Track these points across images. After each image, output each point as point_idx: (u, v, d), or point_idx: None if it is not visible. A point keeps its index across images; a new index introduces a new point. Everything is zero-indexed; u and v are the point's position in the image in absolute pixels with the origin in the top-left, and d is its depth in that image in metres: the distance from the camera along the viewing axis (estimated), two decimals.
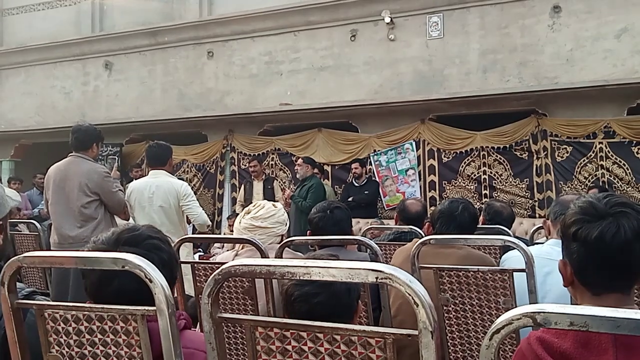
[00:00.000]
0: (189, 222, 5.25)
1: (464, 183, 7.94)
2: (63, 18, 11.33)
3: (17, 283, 1.30)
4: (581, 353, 1.16)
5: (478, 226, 3.11)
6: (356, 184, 8.20)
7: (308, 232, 3.13)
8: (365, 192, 8.08)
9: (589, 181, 7.27)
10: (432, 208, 6.63)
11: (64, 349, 1.26)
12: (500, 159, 7.75)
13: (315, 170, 8.15)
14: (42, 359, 1.29)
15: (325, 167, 8.69)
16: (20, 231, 5.76)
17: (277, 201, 7.26)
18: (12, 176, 10.12)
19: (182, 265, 2.48)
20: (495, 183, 7.77)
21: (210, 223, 5.87)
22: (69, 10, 11.33)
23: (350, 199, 7.76)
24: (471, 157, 7.90)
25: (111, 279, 1.39)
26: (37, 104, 11.38)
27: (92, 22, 10.99)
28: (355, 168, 8.15)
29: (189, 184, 5.78)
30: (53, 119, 10.99)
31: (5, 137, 11.15)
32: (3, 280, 1.25)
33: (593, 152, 7.26)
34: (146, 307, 1.16)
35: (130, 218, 4.90)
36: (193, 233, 6.02)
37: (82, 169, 4.58)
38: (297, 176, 7.74)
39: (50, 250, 4.64)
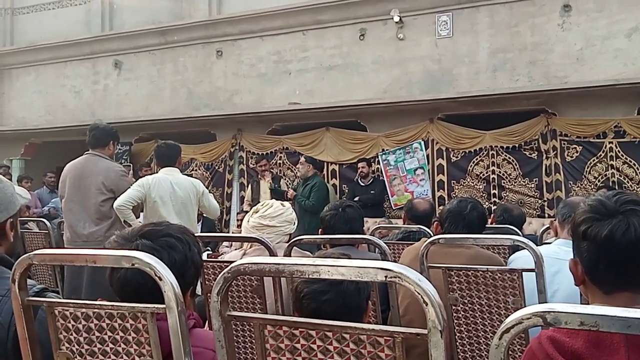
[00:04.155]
0: (197, 220, 5.27)
1: (473, 182, 7.92)
2: (73, 17, 11.38)
3: (28, 280, 1.31)
4: (593, 353, 1.16)
5: (487, 226, 3.11)
6: (362, 184, 8.20)
7: (320, 230, 3.14)
8: (372, 191, 8.08)
9: (598, 181, 7.22)
10: (441, 207, 6.61)
11: (74, 346, 1.27)
12: (509, 158, 7.72)
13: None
14: (52, 356, 1.30)
15: (333, 166, 8.70)
16: (30, 229, 5.81)
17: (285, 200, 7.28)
18: (23, 174, 10.18)
19: None
20: (504, 183, 7.74)
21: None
22: (79, 9, 11.39)
23: (356, 199, 7.76)
24: (480, 157, 7.87)
25: (118, 269, 1.41)
26: (48, 103, 11.44)
27: (102, 21, 11.03)
28: (362, 167, 8.14)
29: None
30: (63, 118, 11.05)
31: (16, 136, 11.22)
32: (14, 278, 1.26)
33: (603, 152, 7.22)
34: (155, 305, 1.16)
35: (141, 216, 4.91)
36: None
37: (99, 167, 4.62)
38: (298, 175, 7.78)
39: (61, 248, 4.66)
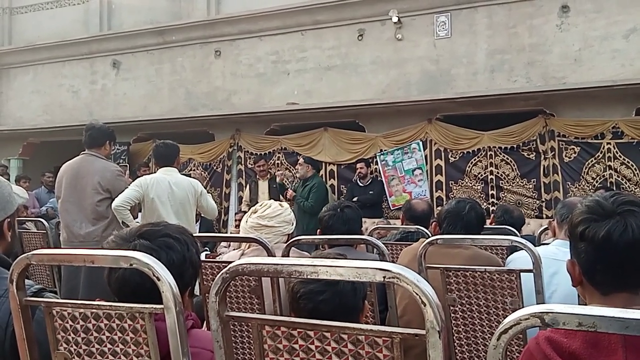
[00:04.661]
0: (196, 221, 5.26)
1: (471, 183, 7.92)
2: (71, 17, 11.37)
3: (26, 280, 1.31)
4: (590, 353, 1.16)
5: (485, 227, 3.11)
6: (361, 184, 8.20)
7: (318, 230, 3.14)
8: (370, 192, 8.08)
9: (596, 182, 7.24)
10: (439, 208, 6.62)
11: (71, 346, 1.27)
12: (507, 159, 7.73)
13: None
14: (50, 356, 1.30)
15: (331, 166, 8.70)
16: (28, 229, 5.80)
17: (283, 200, 7.30)
18: (21, 174, 10.16)
19: None
20: (502, 183, 7.75)
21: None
22: (77, 9, 11.37)
23: (355, 199, 7.76)
24: (478, 157, 7.87)
25: (116, 269, 1.41)
26: (45, 103, 11.42)
27: (100, 21, 11.02)
28: (361, 168, 8.14)
29: None
30: (61, 117, 11.04)
31: (14, 136, 11.21)
32: (12, 278, 1.26)
33: (601, 153, 7.23)
34: (153, 305, 1.16)
35: (139, 216, 4.89)
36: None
37: (95, 167, 4.61)
38: (297, 176, 7.80)
39: (59, 248, 4.65)
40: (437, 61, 8.28)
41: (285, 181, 8.64)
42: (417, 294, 0.94)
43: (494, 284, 2.33)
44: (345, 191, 8.49)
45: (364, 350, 1.03)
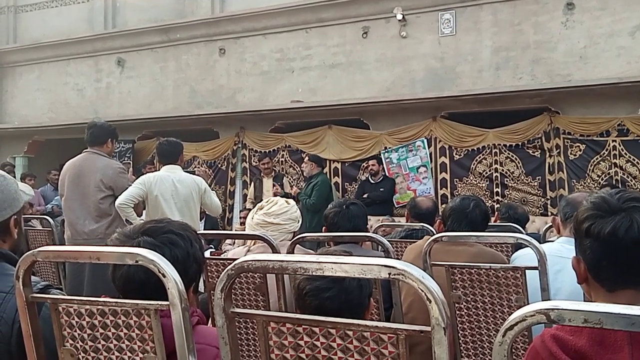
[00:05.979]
0: (200, 218, 5.26)
1: (476, 181, 7.91)
2: (76, 15, 11.38)
3: (32, 277, 1.31)
4: (597, 351, 1.15)
5: (490, 224, 3.11)
6: (372, 181, 8.20)
7: (324, 228, 3.14)
8: (381, 189, 8.08)
9: (601, 179, 7.21)
10: (444, 205, 6.61)
11: (77, 342, 1.27)
12: (512, 156, 7.71)
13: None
14: (56, 352, 1.30)
15: (335, 164, 8.70)
16: (34, 227, 5.81)
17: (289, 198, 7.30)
18: (26, 172, 10.19)
19: None
20: (507, 181, 7.73)
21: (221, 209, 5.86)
22: (82, 7, 11.39)
23: (365, 196, 7.78)
24: (483, 155, 7.86)
25: (121, 266, 1.42)
26: (50, 101, 11.45)
27: (105, 19, 11.03)
28: (373, 165, 8.16)
29: None
30: (66, 115, 11.06)
31: (19, 134, 11.24)
32: (18, 274, 1.26)
33: (606, 150, 7.21)
34: (159, 302, 1.17)
35: (143, 214, 4.90)
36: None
37: (97, 165, 4.62)
38: (304, 174, 7.82)
39: (64, 245, 4.67)
40: (442, 59, 8.27)
41: (289, 181, 8.67)
42: (422, 291, 0.94)
43: (499, 281, 2.33)
44: (351, 189, 8.51)
45: (369, 347, 1.03)
